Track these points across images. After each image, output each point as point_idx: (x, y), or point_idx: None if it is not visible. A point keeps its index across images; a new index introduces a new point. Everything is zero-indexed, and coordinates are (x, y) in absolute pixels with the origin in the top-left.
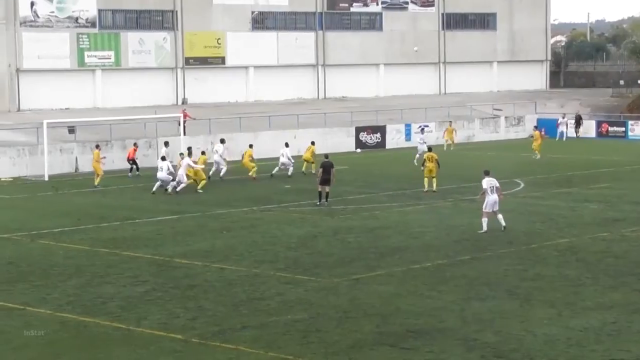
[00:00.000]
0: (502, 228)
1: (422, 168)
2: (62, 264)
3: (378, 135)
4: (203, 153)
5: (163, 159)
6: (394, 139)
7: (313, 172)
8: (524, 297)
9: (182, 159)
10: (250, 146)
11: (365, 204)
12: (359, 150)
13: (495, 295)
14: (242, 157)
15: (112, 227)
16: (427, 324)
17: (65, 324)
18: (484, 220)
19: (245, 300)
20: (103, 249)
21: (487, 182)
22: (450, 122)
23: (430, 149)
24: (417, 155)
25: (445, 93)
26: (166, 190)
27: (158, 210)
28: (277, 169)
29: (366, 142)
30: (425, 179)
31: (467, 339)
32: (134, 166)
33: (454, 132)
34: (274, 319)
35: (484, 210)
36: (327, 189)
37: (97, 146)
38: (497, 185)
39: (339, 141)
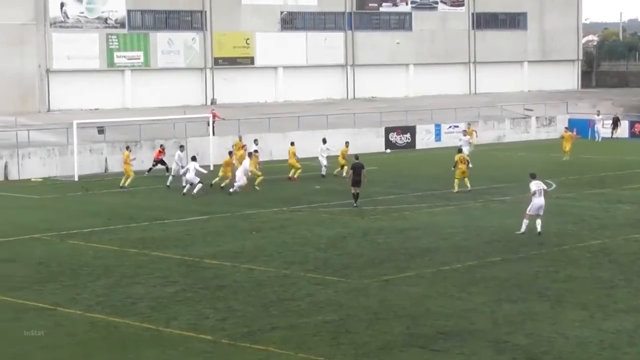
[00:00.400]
0: (537, 233)
1: (452, 169)
2: (92, 264)
3: (408, 135)
4: (254, 152)
5: (193, 159)
6: (424, 139)
7: (344, 175)
8: (556, 299)
9: (231, 156)
10: (292, 144)
11: (394, 204)
12: (388, 150)
13: (526, 297)
14: (288, 157)
15: (141, 228)
16: (458, 326)
17: (95, 325)
18: (525, 222)
19: (275, 301)
20: (132, 249)
21: (535, 185)
22: (470, 123)
23: (460, 150)
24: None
25: (475, 93)
26: (168, 186)
27: (187, 211)
28: (324, 168)
29: (396, 142)
30: (457, 180)
31: (497, 341)
32: (164, 166)
33: (474, 133)
34: (304, 320)
35: (527, 212)
36: (358, 190)
37: (127, 147)
38: (545, 188)
39: (368, 142)
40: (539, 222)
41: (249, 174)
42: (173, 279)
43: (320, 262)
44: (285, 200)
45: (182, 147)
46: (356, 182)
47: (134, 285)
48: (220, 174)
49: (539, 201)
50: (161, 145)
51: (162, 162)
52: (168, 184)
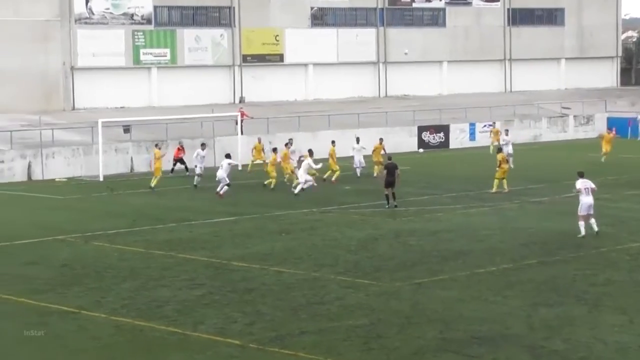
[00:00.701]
0: (595, 233)
1: (497, 169)
2: (117, 267)
3: (441, 134)
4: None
5: (227, 156)
6: (458, 138)
7: (375, 175)
8: (594, 303)
9: (275, 153)
10: (333, 143)
11: (427, 205)
12: (421, 150)
13: (564, 300)
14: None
15: (167, 229)
16: (492, 331)
17: (121, 328)
18: (581, 224)
19: (304, 305)
20: (158, 251)
21: (582, 183)
22: (494, 123)
23: (500, 150)
24: (511, 159)
25: (510, 91)
26: (195, 186)
27: (215, 212)
28: (359, 170)
29: (429, 141)
30: (497, 181)
31: (534, 346)
32: (183, 166)
33: (499, 133)
34: (334, 324)
35: (579, 213)
36: (393, 190)
37: (157, 145)
38: (593, 186)
39: (400, 141)
40: (592, 221)
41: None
42: (200, 281)
43: (350, 264)
44: (316, 201)
45: (203, 145)
46: (390, 183)
47: (160, 288)
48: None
49: (587, 200)
50: (180, 143)
51: (182, 161)
52: (195, 183)
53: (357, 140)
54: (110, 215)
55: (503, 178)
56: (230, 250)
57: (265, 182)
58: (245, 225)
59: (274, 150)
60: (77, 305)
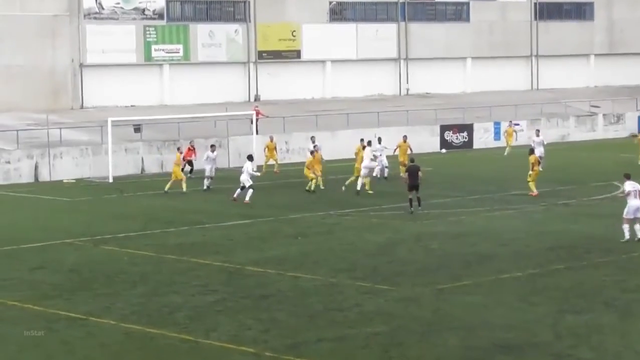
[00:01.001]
0: (637, 239)
1: (530, 172)
2: (127, 272)
3: (465, 134)
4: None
5: (249, 158)
6: (482, 138)
7: (402, 175)
8: (624, 310)
9: (314, 155)
10: (364, 141)
11: (450, 208)
12: (444, 150)
13: (592, 307)
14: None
15: (179, 232)
16: (518, 338)
17: (130, 335)
18: (625, 228)
19: (321, 312)
20: (170, 256)
21: (630, 185)
22: (511, 121)
23: (532, 151)
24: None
25: (537, 89)
26: (208, 187)
27: (229, 215)
28: (386, 170)
29: (452, 141)
30: (532, 184)
31: (560, 355)
32: (190, 167)
33: (514, 134)
34: (352, 332)
35: (625, 217)
36: (417, 194)
37: (179, 149)
38: None
39: (422, 141)
40: (637, 227)
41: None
42: (213, 287)
43: (369, 269)
44: (333, 204)
45: (212, 147)
46: (413, 186)
47: (172, 294)
48: (309, 175)
49: (635, 203)
50: (191, 143)
51: (190, 163)
52: (205, 187)
53: (379, 140)
54: (120, 218)
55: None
56: (244, 254)
57: (308, 188)
58: (260, 228)
59: (312, 153)
60: (85, 311)
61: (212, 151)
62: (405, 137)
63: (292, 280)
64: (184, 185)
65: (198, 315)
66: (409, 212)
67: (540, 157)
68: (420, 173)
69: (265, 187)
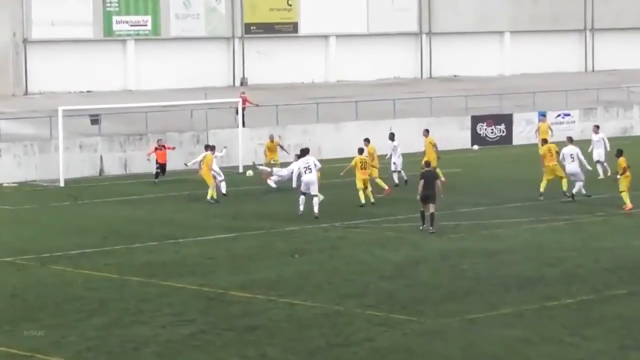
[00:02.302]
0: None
1: (618, 177)
2: (82, 297)
3: (502, 127)
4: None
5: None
6: (523, 132)
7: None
8: None
9: (363, 154)
10: (392, 136)
11: (484, 219)
12: (476, 147)
13: None
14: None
15: (147, 249)
16: None
17: None
18: None
19: (323, 347)
20: (135, 278)
21: None
22: (544, 114)
23: (621, 153)
24: (603, 166)
25: (592, 70)
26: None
27: (208, 227)
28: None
29: (486, 136)
30: (624, 194)
31: None
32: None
33: (549, 130)
34: None
35: None
36: (431, 208)
37: (207, 147)
38: None
39: (449, 135)
40: None
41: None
42: (189, 316)
43: (383, 295)
44: (338, 213)
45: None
46: (427, 197)
47: (137, 325)
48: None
49: None
50: (158, 141)
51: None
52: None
53: (392, 136)
54: (74, 231)
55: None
56: (227, 276)
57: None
58: (247, 243)
59: (361, 150)
60: (30, 347)
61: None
62: (427, 132)
63: (287, 309)
64: (211, 192)
65: (170, 351)
66: (420, 229)
67: (598, 161)
68: (438, 182)
69: (253, 193)
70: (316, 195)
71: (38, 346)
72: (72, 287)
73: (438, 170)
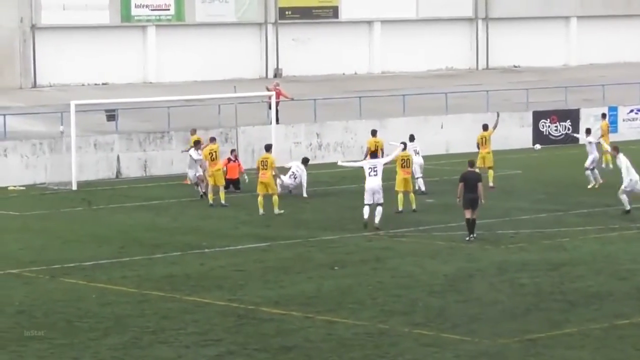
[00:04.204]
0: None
1: None
2: (96, 314)
3: (568, 123)
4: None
5: (304, 161)
6: (592, 129)
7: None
8: None
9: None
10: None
11: (546, 227)
12: (538, 146)
13: None
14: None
15: (169, 260)
16: None
17: None
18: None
19: None
20: (156, 292)
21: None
22: (604, 114)
23: None
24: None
25: None
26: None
27: (238, 236)
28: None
29: (549, 134)
30: None
31: None
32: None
33: (609, 130)
34: None
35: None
36: (472, 213)
37: (268, 148)
38: None
39: (507, 133)
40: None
41: None
42: (215, 336)
43: (433, 312)
44: (383, 220)
45: (197, 144)
46: (472, 202)
47: (158, 345)
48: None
49: None
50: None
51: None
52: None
53: (411, 138)
54: (88, 240)
55: None
56: (258, 290)
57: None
58: (281, 254)
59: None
60: None
61: (197, 149)
62: (485, 127)
63: (326, 327)
64: (276, 207)
65: None
66: (466, 239)
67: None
68: (480, 185)
69: (288, 197)
70: (381, 204)
71: None
72: (85, 302)
73: (490, 173)
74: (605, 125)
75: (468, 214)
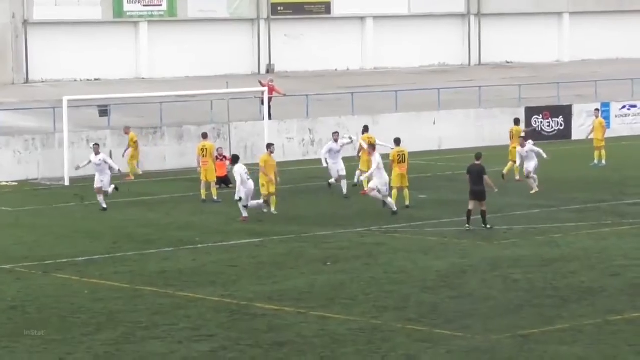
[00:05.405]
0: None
1: None
2: (89, 309)
3: (560, 119)
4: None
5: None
6: (584, 125)
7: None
8: None
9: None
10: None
11: (539, 222)
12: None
13: None
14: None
15: (162, 256)
16: None
17: None
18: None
19: None
20: (149, 288)
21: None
22: (597, 109)
23: None
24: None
25: None
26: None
27: (230, 231)
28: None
29: (542, 130)
30: None
31: None
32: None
33: (603, 128)
34: None
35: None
36: (482, 205)
37: (269, 146)
38: None
39: (500, 128)
40: None
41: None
42: (208, 331)
43: (426, 307)
44: (375, 216)
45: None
46: (476, 194)
47: (151, 340)
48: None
49: None
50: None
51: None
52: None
53: (397, 141)
54: (80, 236)
55: None
56: (251, 286)
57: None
58: (274, 250)
59: (398, 141)
60: None
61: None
62: (517, 120)
63: (319, 322)
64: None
65: None
66: (466, 227)
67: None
68: (486, 177)
69: (280, 193)
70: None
71: None
72: (78, 298)
73: (516, 167)
74: (599, 122)
75: (471, 205)
